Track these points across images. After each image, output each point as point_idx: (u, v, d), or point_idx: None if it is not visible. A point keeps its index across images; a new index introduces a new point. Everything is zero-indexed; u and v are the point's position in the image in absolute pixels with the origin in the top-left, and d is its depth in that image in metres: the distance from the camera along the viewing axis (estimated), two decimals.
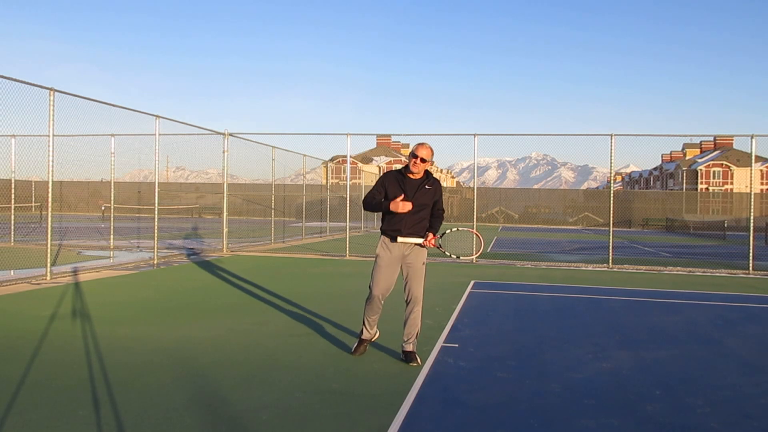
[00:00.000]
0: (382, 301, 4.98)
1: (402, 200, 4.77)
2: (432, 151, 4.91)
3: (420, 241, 4.86)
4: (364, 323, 5.10)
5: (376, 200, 4.93)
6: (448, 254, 4.89)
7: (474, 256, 4.45)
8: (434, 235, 4.91)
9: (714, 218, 40.79)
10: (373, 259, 5.05)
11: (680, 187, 66.45)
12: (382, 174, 4.80)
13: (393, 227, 4.87)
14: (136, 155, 14.36)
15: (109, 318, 6.49)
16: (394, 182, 4.91)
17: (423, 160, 4.81)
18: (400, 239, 4.83)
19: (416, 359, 4.88)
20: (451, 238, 5.49)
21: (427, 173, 4.96)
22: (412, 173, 4.89)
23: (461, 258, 4.86)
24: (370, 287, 4.98)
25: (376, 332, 5.18)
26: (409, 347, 4.93)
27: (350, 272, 11.19)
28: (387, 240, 4.93)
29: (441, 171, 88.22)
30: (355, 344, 5.18)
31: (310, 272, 11.12)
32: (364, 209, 5.02)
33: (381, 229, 5.02)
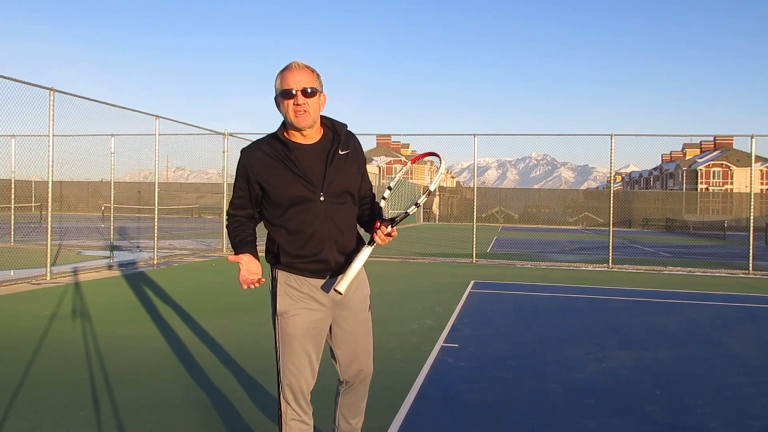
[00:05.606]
0: (310, 411, 2.58)
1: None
2: (314, 72, 2.39)
3: (367, 253, 2.45)
4: None
5: (240, 228, 2.50)
6: (403, 213, 2.54)
7: (433, 184, 2.81)
8: (382, 222, 2.43)
9: (714, 218, 40.80)
10: None
11: (680, 187, 66.42)
12: (241, 158, 2.46)
13: (304, 253, 2.44)
14: (136, 155, 14.38)
15: (109, 318, 6.49)
16: (272, 164, 2.40)
17: (309, 93, 2.33)
18: (340, 287, 2.37)
19: None
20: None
21: (327, 125, 2.50)
22: (299, 130, 2.40)
23: (419, 204, 2.70)
24: (279, 386, 2.54)
25: None
26: None
27: None
28: (294, 278, 2.49)
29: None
30: None
31: None
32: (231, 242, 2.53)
33: (275, 258, 2.51)
